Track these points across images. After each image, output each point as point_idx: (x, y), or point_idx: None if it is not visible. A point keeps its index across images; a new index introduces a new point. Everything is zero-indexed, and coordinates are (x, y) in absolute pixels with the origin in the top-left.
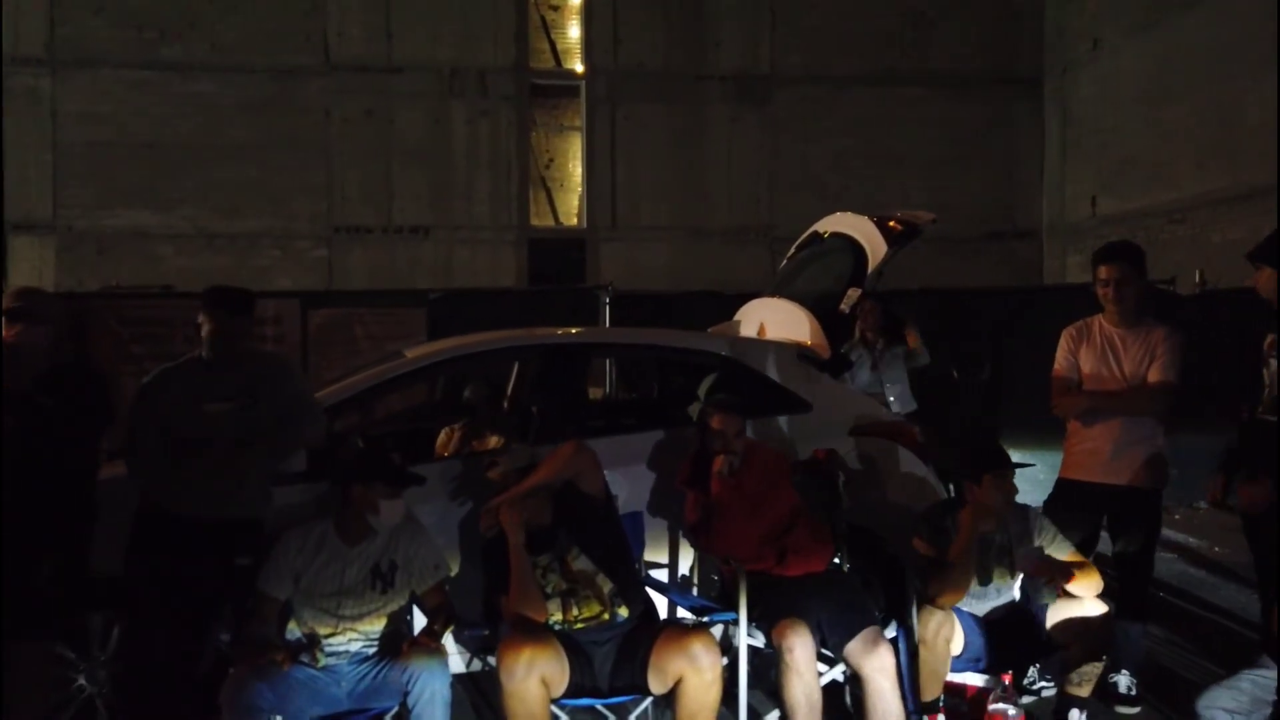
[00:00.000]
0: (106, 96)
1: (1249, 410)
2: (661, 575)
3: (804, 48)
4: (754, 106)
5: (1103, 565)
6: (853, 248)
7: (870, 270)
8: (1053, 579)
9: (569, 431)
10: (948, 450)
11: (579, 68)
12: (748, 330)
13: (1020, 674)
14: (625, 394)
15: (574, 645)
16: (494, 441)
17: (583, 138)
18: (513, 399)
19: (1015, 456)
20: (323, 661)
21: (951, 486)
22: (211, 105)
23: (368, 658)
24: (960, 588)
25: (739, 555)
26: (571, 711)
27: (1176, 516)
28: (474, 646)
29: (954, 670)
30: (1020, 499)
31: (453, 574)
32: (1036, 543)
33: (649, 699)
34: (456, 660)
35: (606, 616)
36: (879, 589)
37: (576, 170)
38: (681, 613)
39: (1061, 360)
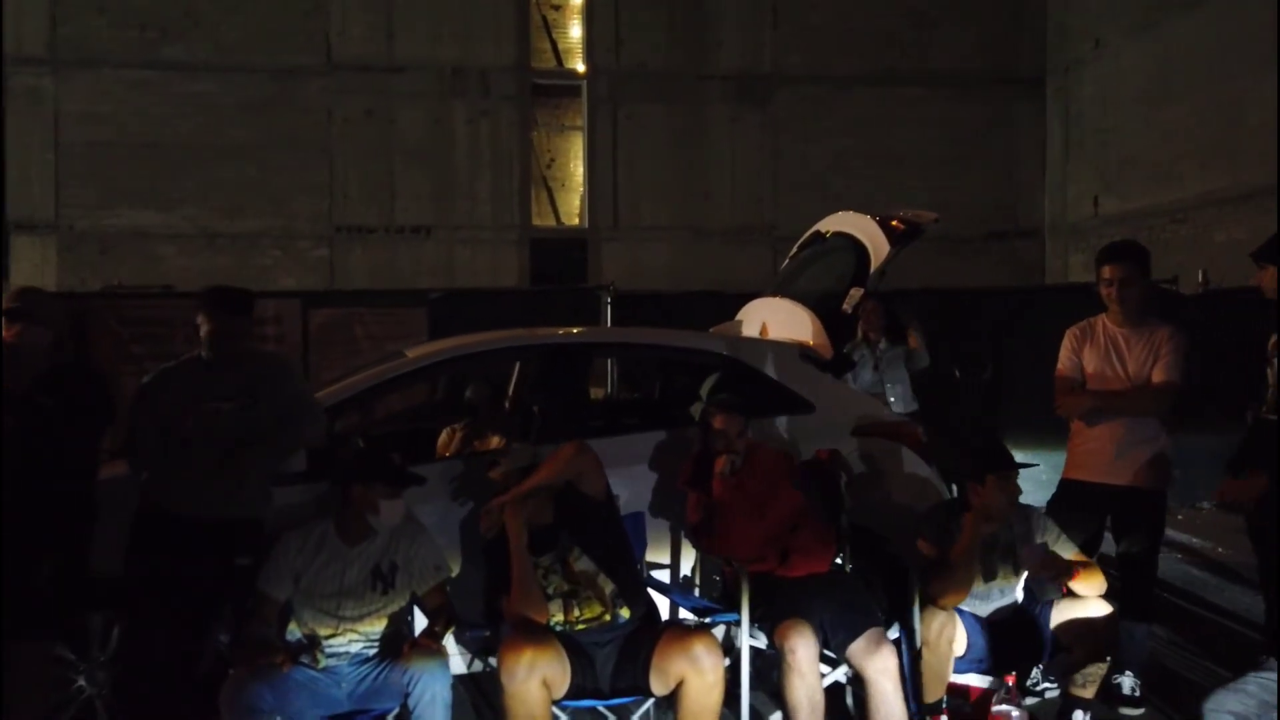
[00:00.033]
0: (108, 96)
1: (1255, 410)
2: (663, 576)
3: (805, 47)
4: (755, 106)
5: (1106, 566)
6: (855, 247)
7: (873, 270)
8: (1057, 575)
9: (570, 432)
10: (950, 450)
11: (580, 67)
12: (750, 330)
13: (1023, 675)
14: (627, 394)
15: (575, 646)
16: (495, 442)
17: (584, 137)
18: (514, 399)
19: (1018, 457)
20: (323, 663)
21: (954, 487)
22: (213, 105)
23: (368, 659)
24: (963, 588)
25: (741, 556)
26: (573, 713)
27: (1179, 517)
28: (475, 647)
29: (957, 671)
30: (1023, 499)
31: (453, 575)
32: (1040, 541)
33: (651, 700)
34: (457, 661)
35: (608, 618)
36: (881, 590)
37: (578, 170)
38: (683, 614)
39: (1065, 360)
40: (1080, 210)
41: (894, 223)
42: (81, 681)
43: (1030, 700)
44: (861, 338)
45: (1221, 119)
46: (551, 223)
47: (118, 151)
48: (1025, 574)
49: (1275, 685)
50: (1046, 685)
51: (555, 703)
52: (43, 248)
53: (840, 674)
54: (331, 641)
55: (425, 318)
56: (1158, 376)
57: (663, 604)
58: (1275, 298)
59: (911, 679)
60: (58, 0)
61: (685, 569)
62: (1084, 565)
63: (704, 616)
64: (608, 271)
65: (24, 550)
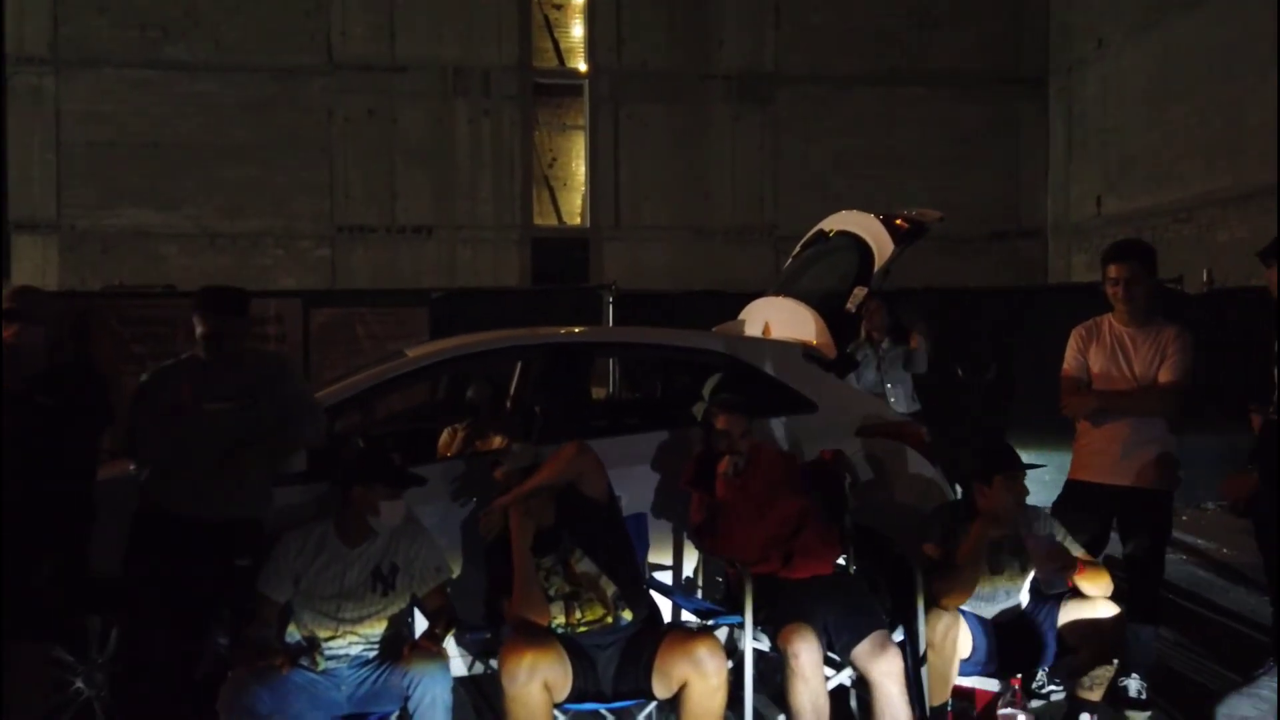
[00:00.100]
0: (109, 96)
1: (1264, 412)
2: (666, 577)
3: (807, 47)
4: (757, 106)
5: (1112, 567)
6: (858, 246)
7: (876, 269)
8: (1064, 567)
9: (572, 432)
10: (955, 450)
11: (582, 67)
12: (752, 329)
13: (1028, 678)
14: (629, 394)
15: (577, 649)
16: (497, 442)
17: (586, 137)
18: (515, 399)
19: (1022, 457)
20: (322, 665)
21: (959, 487)
22: (214, 105)
23: (368, 661)
24: (967, 589)
25: (744, 557)
26: (574, 716)
27: (1184, 517)
28: (476, 649)
29: (962, 674)
30: (1029, 500)
31: (454, 576)
32: (1046, 533)
33: (653, 704)
34: (458, 663)
35: (610, 620)
36: (886, 591)
37: (580, 169)
38: (686, 616)
39: (1071, 360)
40: (1083, 210)
41: (898, 221)
42: (80, 683)
43: (1036, 703)
44: (865, 337)
45: (1224, 118)
46: (553, 222)
47: (119, 151)
48: (1031, 575)
49: None
50: (1052, 687)
51: (557, 706)
52: (44, 247)
53: (844, 677)
54: (331, 643)
55: (426, 317)
56: (1164, 377)
57: (665, 605)
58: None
59: (916, 682)
60: (59, 0)
61: (688, 570)
62: (1090, 564)
63: (707, 618)
64: (609, 271)
65: (23, 551)
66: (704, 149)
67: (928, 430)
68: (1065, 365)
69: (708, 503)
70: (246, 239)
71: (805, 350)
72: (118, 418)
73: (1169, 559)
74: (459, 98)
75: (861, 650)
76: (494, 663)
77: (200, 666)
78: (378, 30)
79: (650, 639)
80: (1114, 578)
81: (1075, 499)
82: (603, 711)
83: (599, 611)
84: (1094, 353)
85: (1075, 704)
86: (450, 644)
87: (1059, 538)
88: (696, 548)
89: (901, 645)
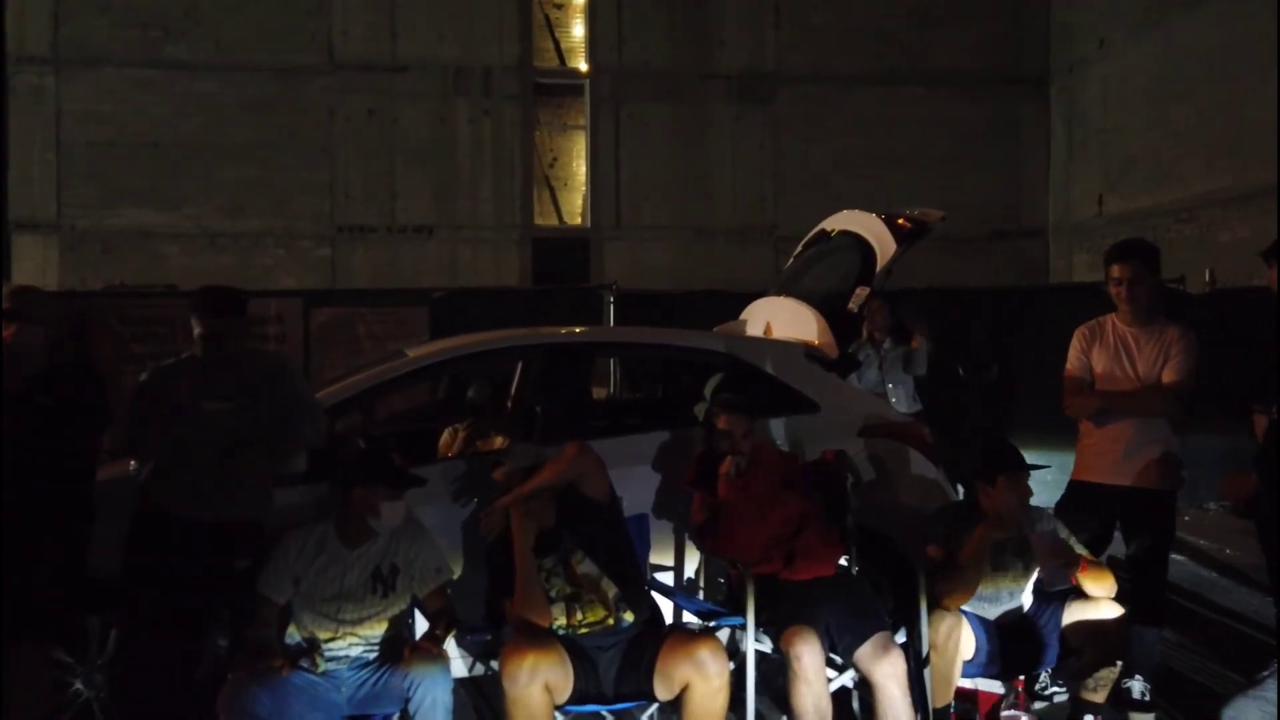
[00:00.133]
0: (110, 95)
1: (1271, 413)
2: (667, 578)
3: (808, 47)
4: (758, 105)
5: (1115, 568)
6: (860, 246)
7: (879, 269)
8: (1067, 563)
9: (573, 432)
10: (955, 451)
11: (583, 66)
12: (754, 329)
13: (1031, 679)
14: (630, 394)
15: (578, 650)
16: (498, 442)
17: (587, 137)
18: (516, 399)
19: (1025, 457)
20: (322, 667)
21: (960, 488)
22: (215, 104)
23: (368, 663)
24: (969, 590)
25: (746, 558)
26: (575, 718)
27: (1186, 518)
28: (476, 651)
29: (965, 675)
30: (1032, 501)
31: (455, 577)
32: (1049, 529)
33: (654, 705)
34: (459, 664)
35: (611, 621)
36: (888, 592)
37: (580, 169)
38: (687, 617)
39: (1074, 360)
40: (1084, 210)
41: (900, 221)
42: (79, 684)
43: (1039, 704)
44: (866, 337)
45: (1226, 118)
46: (554, 222)
47: (119, 151)
48: (1034, 576)
49: None
50: (1055, 689)
51: (558, 707)
52: (44, 247)
53: (847, 679)
54: (331, 645)
55: (427, 317)
56: (1168, 377)
57: (666, 607)
58: None
59: (919, 684)
60: (60, 0)
61: (689, 571)
62: (1094, 565)
63: (708, 620)
64: (610, 271)
65: (22, 551)
66: (705, 149)
67: (930, 431)
68: (1068, 365)
69: (709, 503)
70: (247, 239)
71: (807, 350)
72: (117, 418)
73: (1171, 560)
74: (460, 97)
75: (864, 652)
76: (495, 664)
77: (200, 667)
78: (378, 30)
79: (652, 640)
80: (1117, 579)
81: (1078, 500)
82: (604, 713)
83: (600, 613)
84: (1097, 353)
85: (1078, 705)
86: (451, 645)
87: (1062, 537)
88: (698, 548)
89: (904, 647)
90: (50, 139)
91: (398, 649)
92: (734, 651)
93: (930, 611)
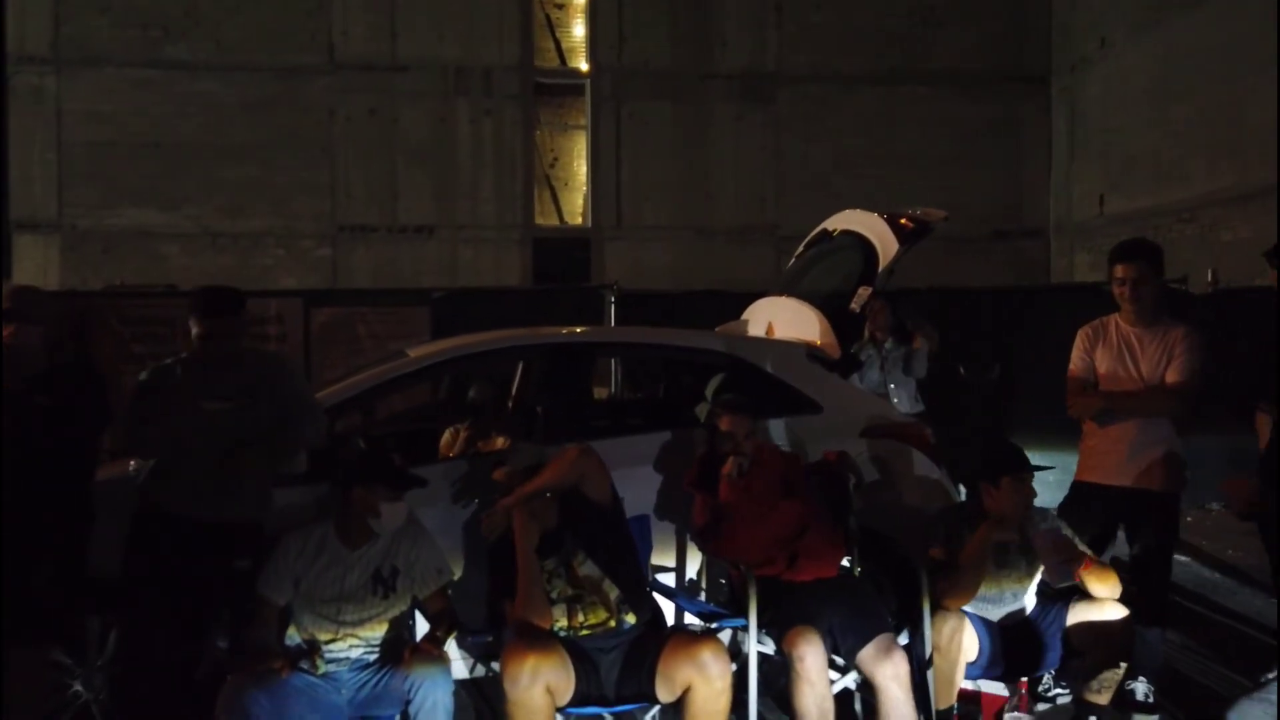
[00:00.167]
0: (111, 95)
1: (1273, 411)
2: (669, 579)
3: (810, 46)
4: (759, 105)
5: (1119, 569)
6: (862, 245)
7: (881, 269)
8: (1070, 559)
9: (574, 432)
10: (957, 450)
11: (584, 66)
12: (756, 329)
13: (1034, 681)
14: (631, 394)
15: (580, 652)
16: (500, 442)
17: (587, 136)
18: (517, 399)
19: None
20: (322, 668)
21: (963, 488)
22: (215, 104)
23: (368, 665)
24: (970, 590)
25: (748, 559)
26: None
27: (1189, 519)
28: (477, 652)
29: (968, 677)
30: (1035, 502)
31: (456, 578)
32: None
33: (656, 707)
34: (460, 666)
35: (613, 623)
36: (891, 593)
37: (581, 169)
38: (689, 618)
39: (1077, 360)
40: (1085, 210)
41: (903, 220)
42: (78, 686)
43: (1042, 706)
44: (868, 337)
45: (1228, 117)
46: (554, 222)
47: (120, 151)
48: (1038, 577)
49: None
50: (1058, 691)
51: (559, 710)
52: (45, 247)
53: (849, 680)
54: (331, 647)
55: (428, 317)
56: (1172, 377)
57: (668, 608)
58: None
59: (921, 685)
60: (60, 0)
61: (691, 572)
62: (1098, 565)
63: (710, 621)
64: (611, 271)
65: (21, 552)
66: (706, 148)
67: (931, 431)
68: (1071, 366)
69: (712, 505)
70: (248, 239)
71: (809, 350)
72: (117, 417)
73: (1174, 560)
74: (460, 97)
75: (867, 654)
76: (496, 666)
77: (199, 669)
78: (379, 30)
79: (653, 642)
80: (1121, 580)
81: (1081, 500)
82: (605, 715)
83: (602, 615)
84: (1100, 353)
85: (1082, 707)
86: (452, 647)
87: (1066, 534)
88: (700, 550)
89: (907, 648)
90: (51, 139)
91: (398, 651)
92: (736, 653)
93: (933, 613)
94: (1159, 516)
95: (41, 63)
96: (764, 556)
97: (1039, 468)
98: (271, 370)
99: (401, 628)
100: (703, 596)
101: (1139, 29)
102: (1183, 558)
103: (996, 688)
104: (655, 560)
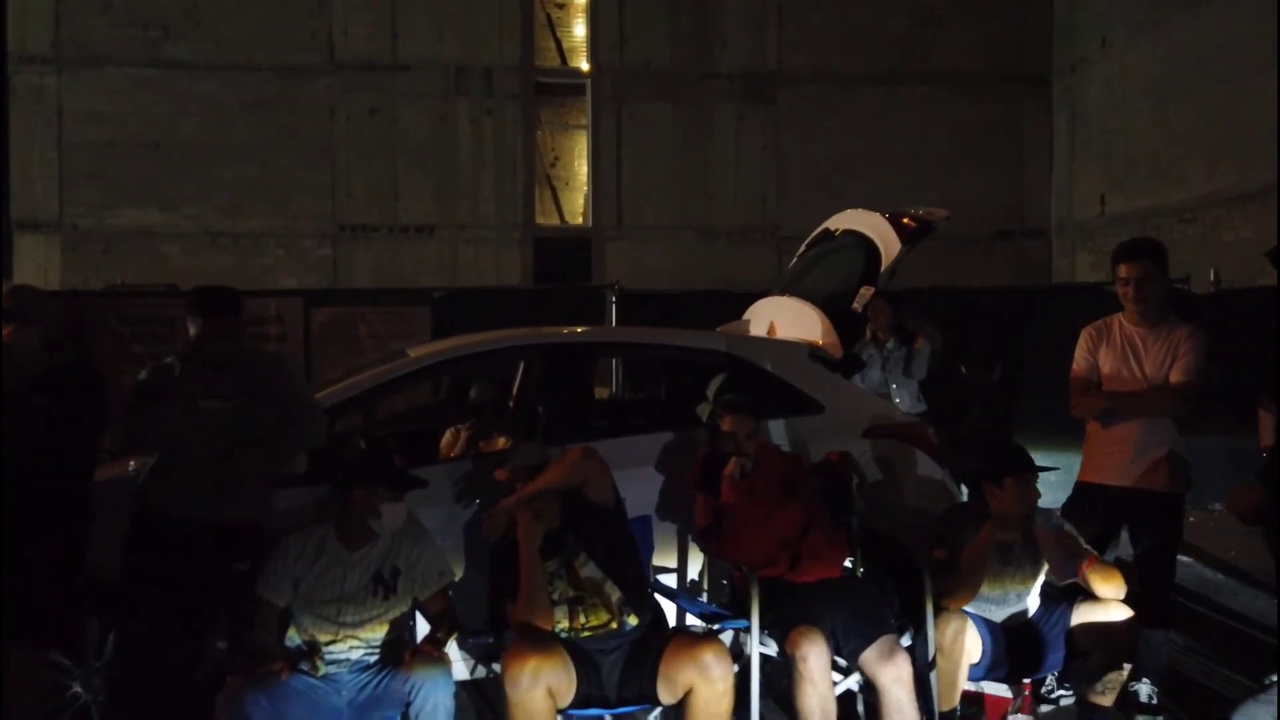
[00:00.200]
0: (111, 95)
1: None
2: (670, 580)
3: (810, 46)
4: (760, 105)
5: (1123, 570)
6: (865, 245)
7: (884, 268)
8: (1074, 554)
9: (575, 432)
10: (957, 450)
11: (584, 66)
12: (757, 329)
13: (1037, 683)
14: (632, 394)
15: (581, 654)
16: (501, 443)
17: (588, 136)
18: (518, 399)
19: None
20: (322, 670)
21: (964, 488)
22: (216, 104)
23: (369, 666)
24: (969, 590)
25: (751, 560)
26: None
27: (1191, 519)
28: (478, 654)
29: (971, 679)
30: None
31: (457, 579)
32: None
33: (658, 709)
34: (460, 667)
35: (615, 625)
36: (894, 595)
37: (582, 169)
38: (691, 619)
39: (1080, 360)
40: (1087, 209)
41: (905, 220)
42: (77, 687)
43: (1045, 708)
44: (870, 337)
45: (1228, 117)
46: (555, 222)
47: (121, 150)
48: (1041, 579)
49: None
50: (1061, 693)
51: (560, 712)
52: (46, 247)
53: (852, 682)
54: (331, 648)
55: (428, 317)
56: (1176, 377)
57: (669, 609)
58: None
59: (924, 687)
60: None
61: (693, 573)
62: (1103, 565)
63: (712, 622)
64: (611, 271)
65: (21, 553)
66: (706, 148)
67: (934, 431)
68: (1074, 365)
69: (714, 505)
70: (248, 238)
71: (811, 350)
72: (117, 417)
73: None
74: (461, 97)
75: (870, 655)
76: (497, 667)
77: (199, 670)
78: (379, 29)
79: (655, 643)
80: (1125, 581)
81: (1085, 501)
82: (606, 717)
83: (603, 616)
84: (1104, 353)
85: (1085, 709)
86: (452, 648)
87: (1069, 530)
88: (702, 551)
89: (910, 649)
90: (51, 139)
91: (399, 652)
92: (738, 654)
93: (936, 614)
94: (1163, 517)
95: (42, 62)
96: (766, 557)
97: (1043, 468)
98: (271, 370)
99: (402, 629)
100: (704, 597)
101: (1140, 29)
102: (1185, 558)
103: (1000, 690)
104: (657, 561)
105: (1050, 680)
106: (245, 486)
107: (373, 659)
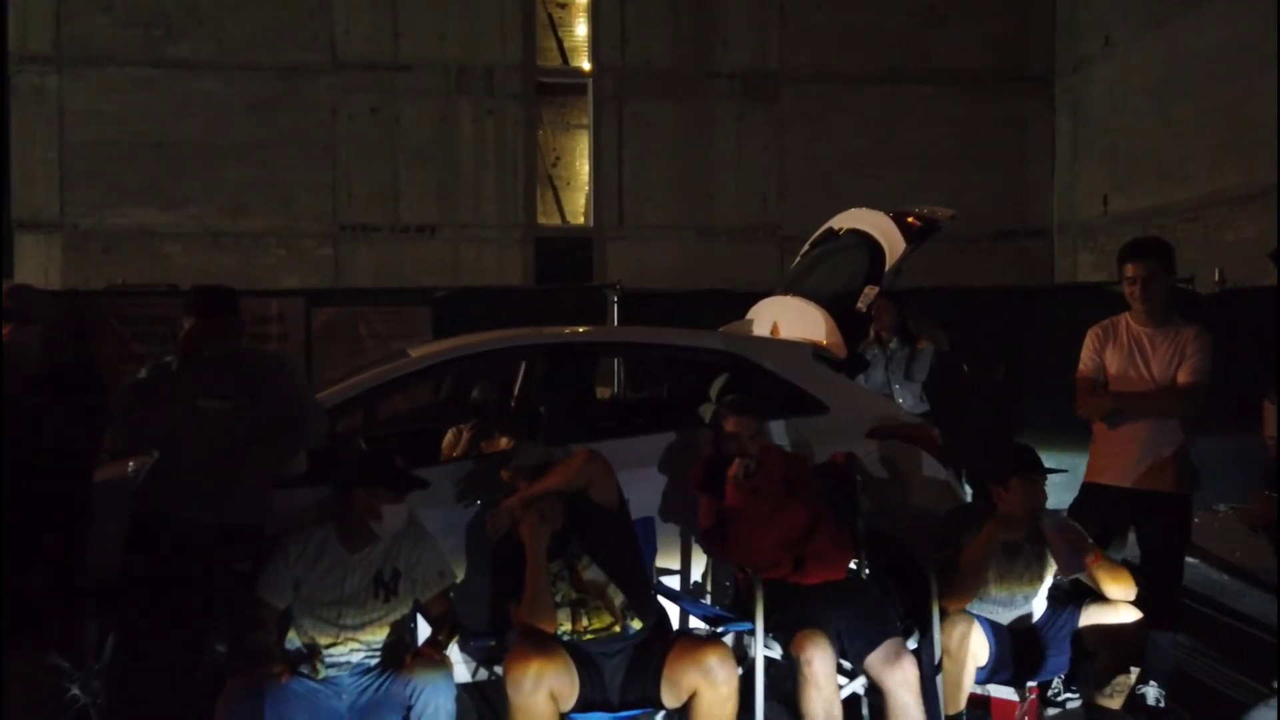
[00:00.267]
0: (113, 94)
1: None
2: (673, 582)
3: (812, 46)
4: (762, 105)
5: (1131, 572)
6: (869, 244)
7: (888, 268)
8: (1081, 548)
9: (578, 432)
10: (965, 450)
11: (586, 65)
12: (760, 329)
13: (1044, 686)
14: (634, 394)
15: (584, 656)
16: (503, 443)
17: (590, 136)
18: (520, 399)
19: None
20: (323, 673)
21: (969, 488)
22: (218, 103)
23: (370, 669)
24: (969, 590)
25: (755, 562)
26: None
27: (1196, 520)
28: (480, 656)
29: (978, 681)
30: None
31: (458, 581)
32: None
33: (661, 713)
34: (462, 670)
35: (618, 628)
36: (899, 597)
37: (583, 168)
38: (694, 622)
39: (1087, 360)
40: (1089, 209)
41: (910, 219)
42: (76, 690)
43: (1052, 711)
44: (873, 337)
45: (1231, 117)
46: (557, 221)
47: (122, 150)
48: (1049, 580)
49: None
50: (1068, 695)
51: (563, 715)
52: (47, 246)
53: (858, 685)
54: (332, 651)
55: (430, 316)
56: (1183, 378)
57: (672, 611)
58: None
59: (931, 690)
60: None
61: (696, 575)
62: (1111, 565)
63: (716, 625)
64: (613, 270)
65: (19, 554)
66: (708, 148)
67: (938, 431)
68: (1081, 366)
69: (717, 507)
70: (250, 238)
71: (815, 350)
72: (117, 417)
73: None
74: (462, 96)
75: (875, 658)
76: (499, 670)
77: (198, 673)
78: (381, 29)
79: (659, 646)
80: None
81: (1092, 502)
82: None
83: (606, 619)
84: (1111, 353)
85: (1093, 712)
86: (454, 651)
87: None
88: (705, 552)
89: (915, 652)
90: (53, 138)
91: (400, 655)
92: (742, 657)
93: (942, 616)
94: (1170, 518)
95: (43, 62)
96: (770, 559)
97: (1051, 471)
98: (271, 370)
99: (403, 631)
100: (708, 600)
101: (1142, 28)
102: (1191, 560)
103: (1007, 693)
104: (660, 563)
105: (1056, 683)
106: (245, 487)
107: (373, 662)
